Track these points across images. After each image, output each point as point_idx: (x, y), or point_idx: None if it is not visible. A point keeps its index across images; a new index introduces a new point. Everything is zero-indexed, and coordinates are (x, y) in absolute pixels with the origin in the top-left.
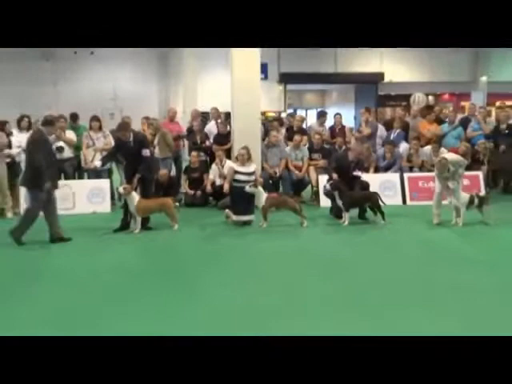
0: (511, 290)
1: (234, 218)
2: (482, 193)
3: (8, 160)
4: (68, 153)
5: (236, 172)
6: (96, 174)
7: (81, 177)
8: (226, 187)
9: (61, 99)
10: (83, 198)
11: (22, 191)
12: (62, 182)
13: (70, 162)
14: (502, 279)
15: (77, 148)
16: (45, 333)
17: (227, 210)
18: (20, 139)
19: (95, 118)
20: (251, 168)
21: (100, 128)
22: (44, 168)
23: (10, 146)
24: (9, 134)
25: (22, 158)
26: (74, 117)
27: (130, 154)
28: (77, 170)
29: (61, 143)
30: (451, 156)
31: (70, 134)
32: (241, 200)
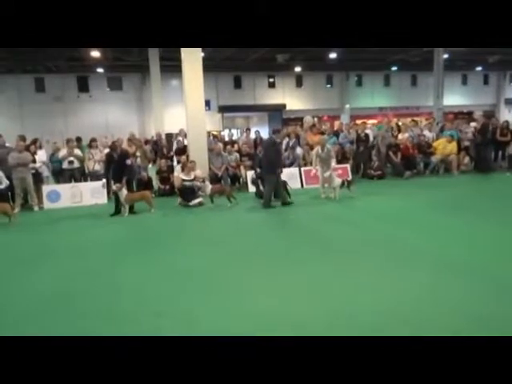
0: (356, 238)
1: (190, 203)
2: (349, 178)
3: (33, 171)
4: (77, 164)
5: (183, 179)
6: (96, 178)
7: (85, 180)
8: (177, 185)
9: (68, 128)
10: (88, 194)
11: (44, 191)
12: (71, 184)
13: (78, 170)
14: (359, 230)
15: (81, 160)
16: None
17: (179, 200)
18: (41, 155)
19: (93, 140)
20: (192, 176)
21: (96, 146)
22: (274, 160)
23: (34, 161)
24: (34, 153)
25: (42, 169)
26: (79, 139)
27: (117, 163)
28: (82, 175)
29: (71, 158)
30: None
31: (78, 151)
32: (187, 193)
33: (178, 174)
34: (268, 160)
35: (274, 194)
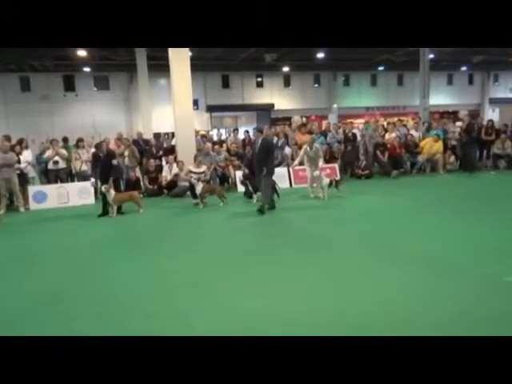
0: (345, 238)
1: (194, 201)
2: (338, 177)
3: (18, 172)
4: (62, 164)
5: (191, 171)
6: (83, 178)
7: (72, 180)
8: (183, 177)
9: (55, 127)
10: (75, 194)
11: (30, 191)
12: (58, 185)
13: (63, 171)
14: (347, 229)
15: (68, 161)
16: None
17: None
18: (26, 156)
19: (80, 140)
20: (201, 169)
21: (83, 146)
22: (271, 160)
23: (19, 161)
24: (18, 154)
25: (28, 170)
26: (65, 140)
27: (104, 163)
28: (69, 175)
29: (56, 158)
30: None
31: (63, 151)
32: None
33: (187, 166)
34: (267, 160)
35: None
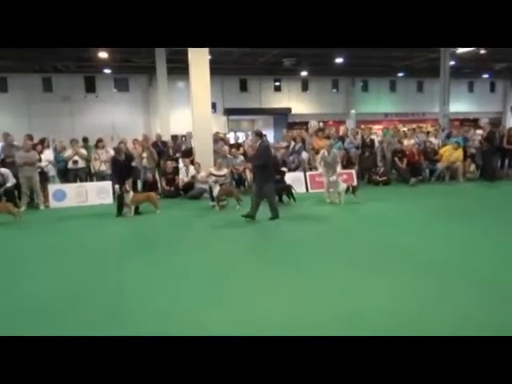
0: (366, 241)
1: (212, 203)
2: (355, 183)
3: (39, 170)
4: (82, 164)
5: (211, 174)
6: (102, 178)
7: (91, 180)
8: (201, 178)
9: (75, 128)
10: (93, 194)
11: (50, 190)
12: (78, 184)
13: (83, 170)
14: (361, 234)
15: (87, 160)
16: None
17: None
18: (47, 155)
19: (99, 140)
20: (222, 172)
21: (103, 147)
22: (268, 165)
23: (40, 160)
24: (40, 153)
25: (48, 169)
26: (85, 140)
27: (123, 167)
28: (88, 175)
29: (76, 157)
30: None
31: (83, 151)
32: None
33: (208, 169)
34: (260, 166)
35: (279, 198)
